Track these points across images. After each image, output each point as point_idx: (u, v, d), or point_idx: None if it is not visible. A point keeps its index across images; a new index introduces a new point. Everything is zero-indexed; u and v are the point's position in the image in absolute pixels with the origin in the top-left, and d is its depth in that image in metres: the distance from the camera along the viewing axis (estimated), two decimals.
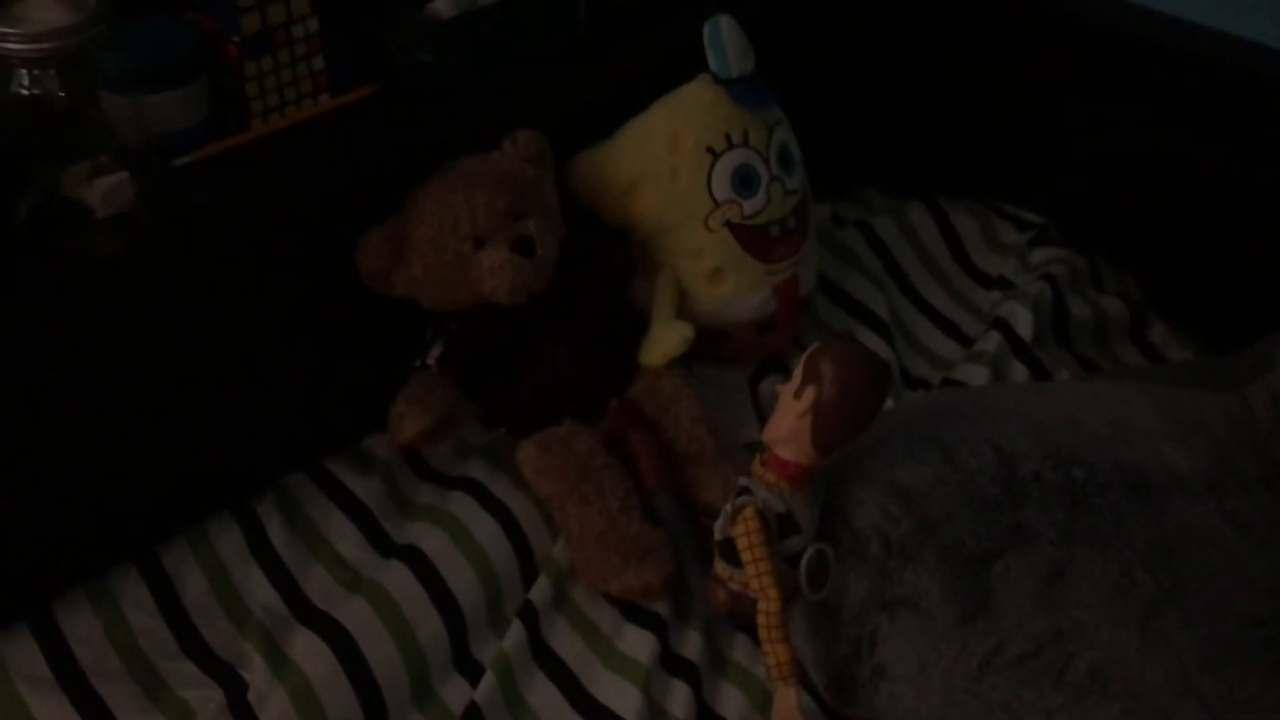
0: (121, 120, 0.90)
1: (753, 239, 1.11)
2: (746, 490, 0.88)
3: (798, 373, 0.88)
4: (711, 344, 1.12)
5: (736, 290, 1.11)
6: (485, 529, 0.98)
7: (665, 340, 1.07)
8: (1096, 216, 1.29)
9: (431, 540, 0.97)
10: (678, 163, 1.08)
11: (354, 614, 0.91)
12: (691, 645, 0.94)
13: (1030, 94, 1.29)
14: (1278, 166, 1.14)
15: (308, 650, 0.89)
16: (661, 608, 0.95)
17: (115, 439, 0.92)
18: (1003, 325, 1.17)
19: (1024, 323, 1.17)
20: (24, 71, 0.84)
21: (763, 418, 1.12)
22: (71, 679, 0.88)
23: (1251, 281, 1.18)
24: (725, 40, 1.07)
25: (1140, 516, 0.87)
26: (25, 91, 0.85)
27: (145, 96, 0.92)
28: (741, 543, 0.87)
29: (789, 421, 0.87)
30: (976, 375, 1.13)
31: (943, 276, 1.29)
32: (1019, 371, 1.14)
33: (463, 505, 1.00)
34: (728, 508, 0.89)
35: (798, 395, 0.87)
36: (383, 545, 0.99)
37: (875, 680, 0.87)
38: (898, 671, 0.86)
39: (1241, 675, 0.85)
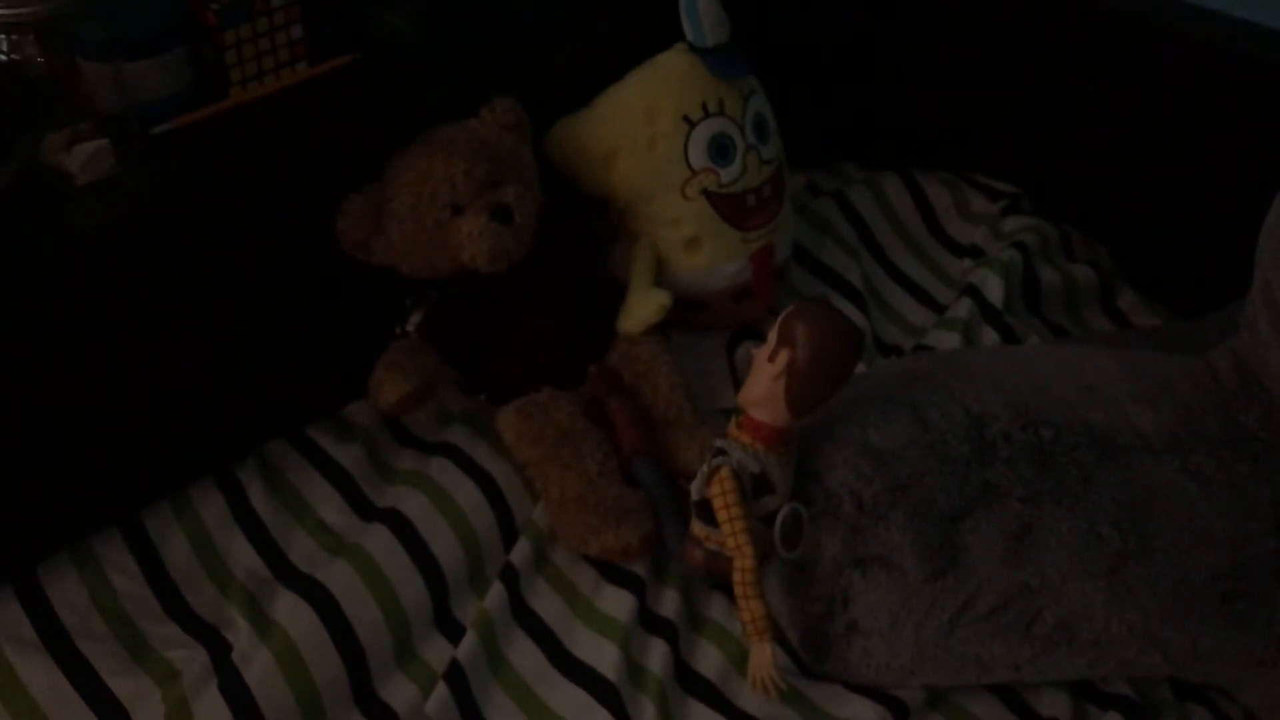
0: (101, 87, 0.91)
1: (729, 207, 1.12)
2: (722, 451, 0.90)
3: (772, 336, 0.90)
4: (689, 312, 1.14)
5: (713, 258, 1.13)
6: (466, 493, 0.99)
7: (643, 308, 1.08)
8: (1067, 186, 1.30)
9: (413, 504, 0.98)
10: (655, 132, 1.09)
11: (337, 576, 0.92)
12: (669, 604, 0.95)
13: (1004, 66, 1.30)
14: (1245, 136, 1.16)
15: (291, 612, 0.90)
16: (640, 568, 0.97)
17: (97, 405, 0.93)
18: (974, 292, 1.19)
19: (995, 289, 1.18)
20: (3, 37, 0.85)
21: (739, 385, 1.13)
22: (57, 642, 0.89)
23: (1217, 250, 1.19)
24: (701, 10, 1.08)
25: (1107, 475, 0.89)
26: (4, 57, 0.85)
27: (125, 64, 0.92)
28: (717, 503, 0.88)
29: (764, 384, 0.89)
30: (949, 341, 1.15)
31: (916, 245, 1.30)
32: (990, 337, 1.16)
33: (444, 470, 1.01)
34: (704, 468, 0.90)
35: (772, 358, 0.89)
36: (364, 509, 1.00)
37: (848, 636, 0.89)
38: (870, 627, 0.88)
39: (1203, 627, 0.88)
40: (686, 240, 1.12)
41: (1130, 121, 1.23)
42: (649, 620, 0.94)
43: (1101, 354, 1.00)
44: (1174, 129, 1.20)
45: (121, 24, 0.92)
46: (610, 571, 0.97)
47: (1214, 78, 1.17)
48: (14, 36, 0.84)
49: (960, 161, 1.37)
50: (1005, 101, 1.32)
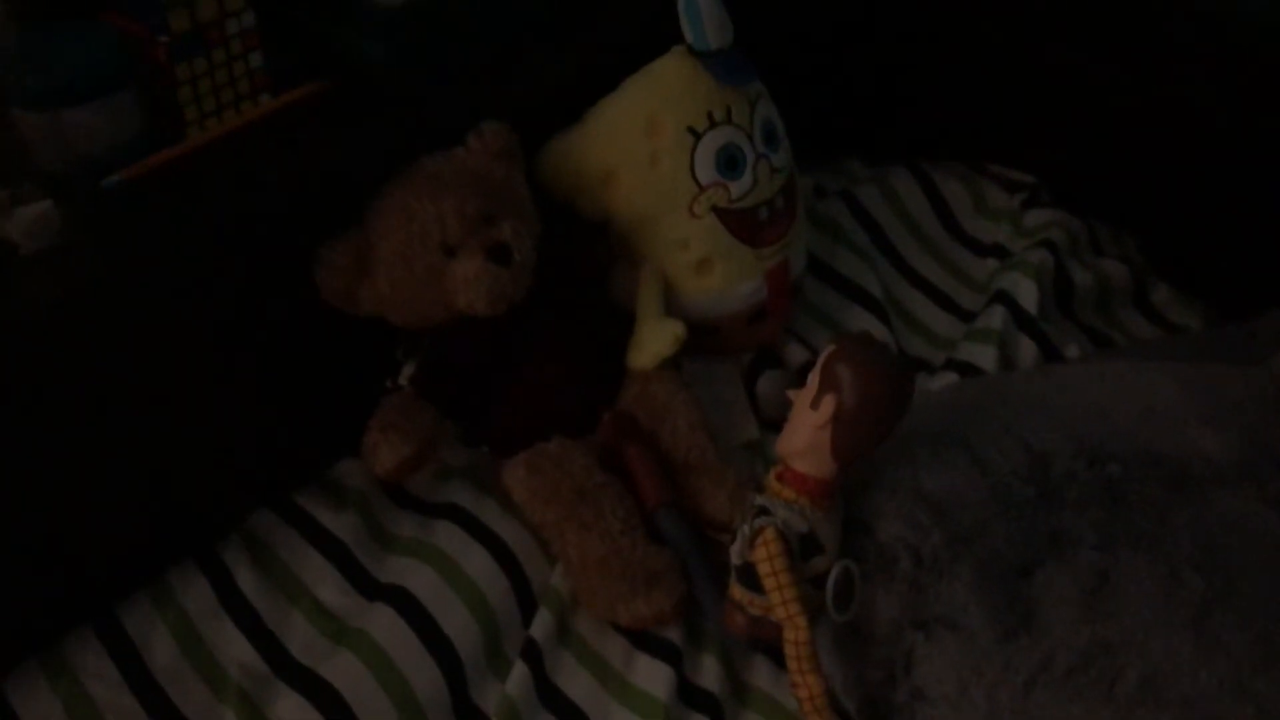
0: (40, 141, 0.81)
1: (741, 224, 1.03)
2: (765, 510, 0.82)
3: (813, 379, 0.82)
4: (698, 337, 1.05)
5: (726, 280, 1.04)
6: (476, 562, 0.91)
7: (655, 340, 1.00)
8: (1089, 174, 1.23)
9: (419, 578, 0.90)
10: (657, 146, 1.01)
11: (341, 670, 0.85)
12: (709, 673, 0.88)
13: (1012, 45, 1.23)
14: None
15: (293, 714, 0.83)
16: (674, 634, 0.90)
17: (63, 491, 0.84)
18: (1006, 298, 1.12)
19: (1028, 295, 1.12)
20: None
21: (761, 415, 1.06)
22: None
23: (1255, 238, 1.13)
24: (702, 8, 0.99)
25: (1182, 511, 0.83)
26: None
27: (65, 111, 0.83)
28: (764, 568, 0.80)
29: (806, 433, 0.81)
30: (982, 354, 1.08)
31: (933, 247, 1.23)
32: (1027, 347, 1.09)
33: (450, 536, 0.93)
34: (745, 529, 0.82)
35: (814, 405, 0.81)
36: (366, 586, 0.92)
37: (913, 704, 0.82)
38: (937, 694, 0.81)
39: None
40: (696, 262, 1.04)
41: (1155, 102, 1.15)
42: (689, 694, 0.87)
43: (1156, 370, 0.93)
44: (1201, 109, 1.13)
45: (59, 68, 0.82)
46: (642, 640, 0.90)
47: (1245, 55, 1.10)
48: None
49: (971, 150, 1.29)
50: (1017, 83, 1.24)
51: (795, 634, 0.80)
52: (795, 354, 1.10)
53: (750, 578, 0.82)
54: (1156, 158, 1.16)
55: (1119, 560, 0.81)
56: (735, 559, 0.83)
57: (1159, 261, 1.21)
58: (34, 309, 0.79)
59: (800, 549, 0.82)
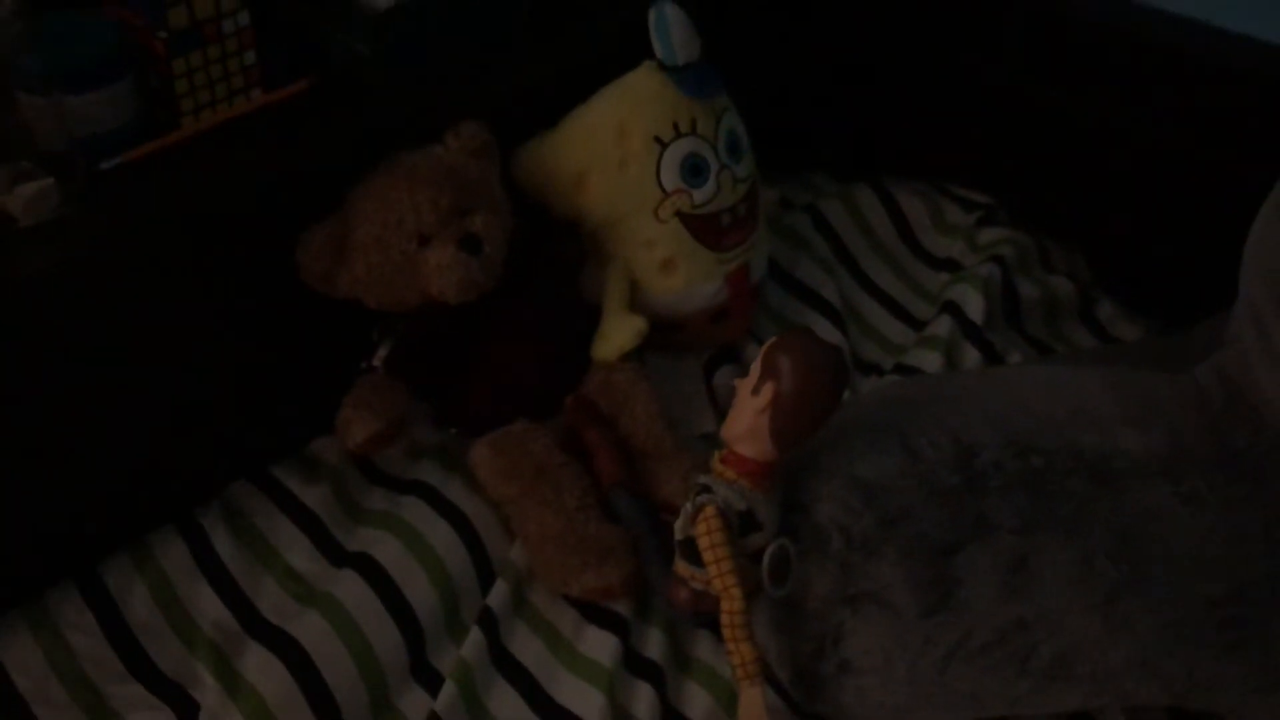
0: (43, 123, 0.86)
1: (703, 228, 1.09)
2: (707, 489, 0.87)
3: (755, 368, 0.87)
4: (665, 333, 1.11)
5: (689, 280, 1.10)
6: (440, 534, 0.96)
7: (619, 334, 1.05)
8: (1042, 195, 1.29)
9: (385, 548, 0.94)
10: (626, 152, 1.06)
11: (308, 628, 0.89)
12: (654, 644, 0.93)
13: (976, 74, 1.28)
14: (1223, 145, 1.14)
15: (262, 668, 0.87)
16: (623, 607, 0.94)
17: (50, 454, 0.89)
18: (953, 308, 1.17)
19: (975, 305, 1.16)
20: None
21: (718, 409, 1.11)
22: (12, 710, 0.85)
23: (1197, 258, 1.18)
24: (671, 26, 1.05)
25: (1101, 502, 0.87)
26: None
27: (67, 97, 0.88)
28: (703, 543, 0.85)
29: (747, 418, 0.86)
30: (930, 360, 1.13)
31: (892, 259, 1.28)
32: (972, 355, 1.14)
33: (416, 510, 0.97)
34: (688, 506, 0.87)
35: (756, 391, 0.86)
36: (334, 554, 0.96)
37: (840, 675, 0.87)
38: (863, 665, 0.86)
39: (1200, 656, 0.86)
40: (661, 262, 1.09)
41: (1106, 129, 1.21)
42: (634, 663, 0.92)
43: (1088, 374, 0.98)
44: (1150, 137, 1.19)
45: (63, 55, 0.87)
46: (592, 612, 0.94)
47: (1191, 85, 1.16)
48: None
49: (933, 170, 1.35)
50: (978, 109, 1.30)
51: (730, 604, 0.85)
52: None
53: (692, 551, 0.87)
54: (1106, 180, 1.22)
55: (1038, 545, 0.86)
56: (679, 534, 0.88)
57: (1106, 278, 1.26)
58: (29, 277, 0.83)
59: (739, 525, 0.86)
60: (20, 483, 0.88)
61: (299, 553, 0.96)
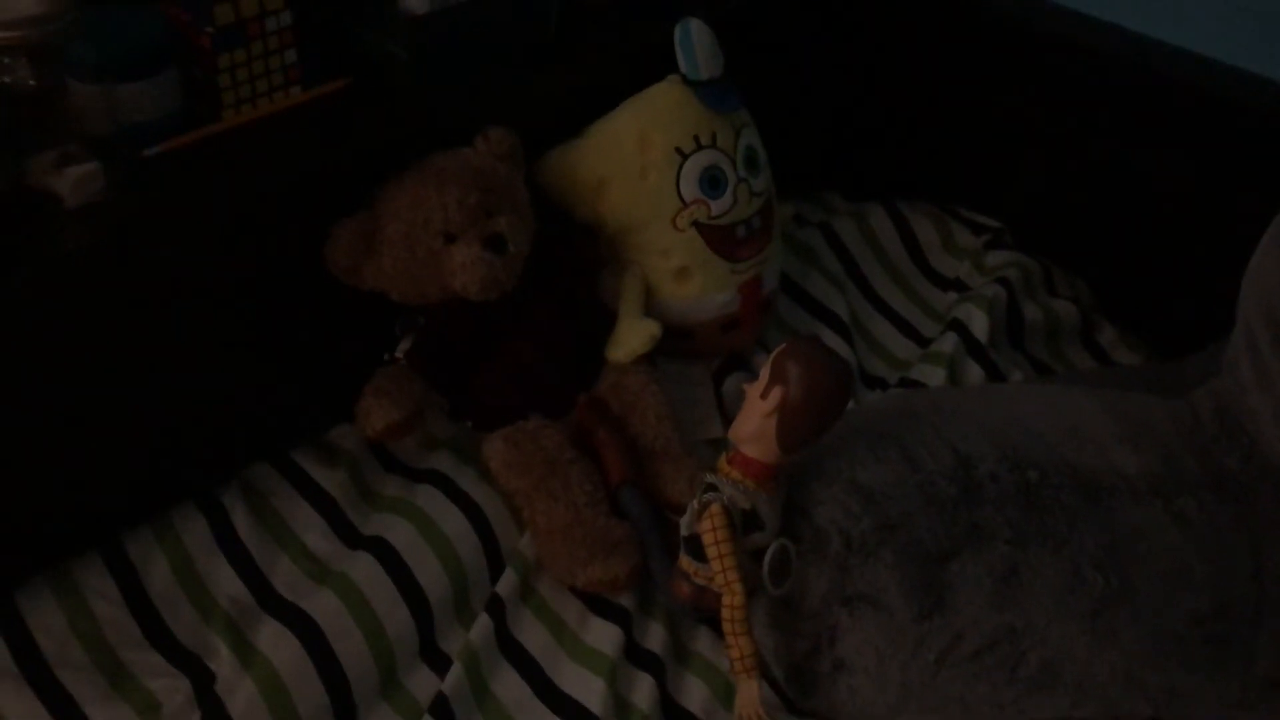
0: (92, 110, 0.90)
1: (719, 239, 1.12)
2: (713, 487, 0.90)
3: (764, 373, 0.90)
4: (676, 340, 1.14)
5: (702, 289, 1.13)
6: (452, 522, 0.99)
7: (632, 338, 1.08)
8: (1049, 221, 1.32)
9: (399, 532, 0.97)
10: (647, 162, 1.09)
11: (322, 605, 0.92)
12: (655, 637, 0.95)
13: (988, 102, 1.32)
14: (1225, 176, 1.17)
15: (275, 641, 0.90)
16: (626, 600, 0.97)
17: (81, 429, 0.91)
18: (959, 327, 1.20)
19: (980, 324, 1.19)
20: None
21: (726, 415, 1.14)
22: (35, 670, 0.88)
23: (1197, 287, 1.21)
24: (695, 42, 1.09)
25: (1092, 517, 0.90)
26: None
27: (116, 86, 0.91)
28: (708, 539, 0.88)
29: (755, 421, 0.89)
30: (934, 375, 1.16)
31: (901, 278, 1.31)
32: (974, 372, 1.17)
33: (430, 498, 1.00)
34: (694, 504, 0.90)
35: (764, 395, 0.89)
36: (349, 537, 0.99)
37: (834, 674, 0.89)
38: (856, 665, 0.88)
39: (1182, 669, 0.89)
40: (676, 270, 1.12)
41: (1114, 159, 1.24)
42: (635, 654, 0.94)
43: (1085, 394, 1.01)
44: (1154, 168, 1.22)
45: (113, 45, 0.91)
46: (597, 604, 0.97)
47: (1197, 118, 1.19)
48: (6, 59, 0.83)
49: (944, 194, 1.38)
50: (989, 137, 1.33)
51: (731, 599, 0.88)
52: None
53: (696, 548, 0.90)
54: (1110, 209, 1.25)
55: (1029, 555, 0.88)
56: (684, 530, 0.91)
57: (1108, 304, 1.30)
58: (72, 254, 0.87)
59: (742, 524, 0.89)
60: (51, 456, 0.91)
61: (315, 533, 0.99)
